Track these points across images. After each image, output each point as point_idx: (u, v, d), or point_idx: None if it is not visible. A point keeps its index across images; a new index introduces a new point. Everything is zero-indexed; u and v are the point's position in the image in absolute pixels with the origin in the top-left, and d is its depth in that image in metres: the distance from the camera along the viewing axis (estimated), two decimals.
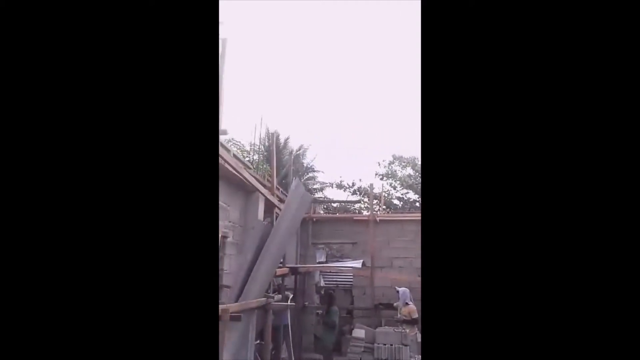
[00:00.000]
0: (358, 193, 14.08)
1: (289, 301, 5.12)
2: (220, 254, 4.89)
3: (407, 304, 6.18)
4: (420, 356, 5.42)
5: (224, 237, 4.97)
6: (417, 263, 7.32)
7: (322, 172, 15.32)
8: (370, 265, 7.16)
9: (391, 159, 14.89)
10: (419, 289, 7.05)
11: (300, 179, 8.67)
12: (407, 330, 5.70)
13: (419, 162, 14.01)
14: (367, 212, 9.66)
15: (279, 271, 5.24)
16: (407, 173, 14.39)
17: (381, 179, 14.42)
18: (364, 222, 7.75)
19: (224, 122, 3.62)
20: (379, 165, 14.85)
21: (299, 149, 14.76)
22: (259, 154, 10.34)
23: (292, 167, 8.39)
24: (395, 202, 14.12)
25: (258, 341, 4.50)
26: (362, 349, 5.46)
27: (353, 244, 7.90)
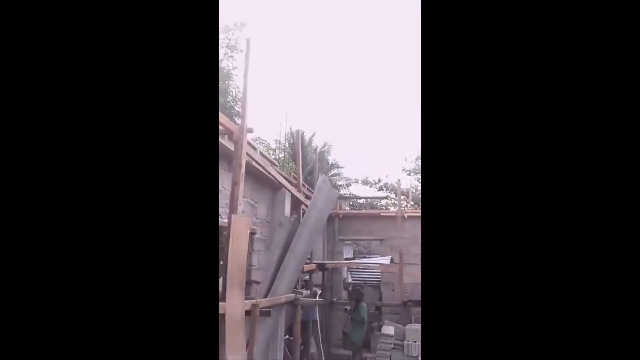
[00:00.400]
0: (384, 189, 13.93)
1: (317, 297, 5.12)
2: (249, 250, 4.96)
3: None
4: None
5: (252, 233, 5.03)
6: None
7: (347, 168, 15.26)
8: (398, 262, 7.06)
9: (418, 154, 14.62)
10: None
11: (326, 176, 8.66)
12: None
13: None
14: (394, 208, 9.53)
15: (307, 267, 5.26)
16: None
17: (408, 174, 14.21)
18: (392, 218, 7.65)
19: (250, 121, 3.66)
20: (406, 160, 14.62)
21: (324, 146, 14.75)
22: (284, 151, 10.41)
23: (317, 164, 8.39)
24: None
25: (287, 336, 4.53)
26: (392, 346, 5.40)
27: (380, 240, 7.81)
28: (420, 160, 14.32)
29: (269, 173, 5.06)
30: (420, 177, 14.17)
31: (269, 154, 9.05)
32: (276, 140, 11.08)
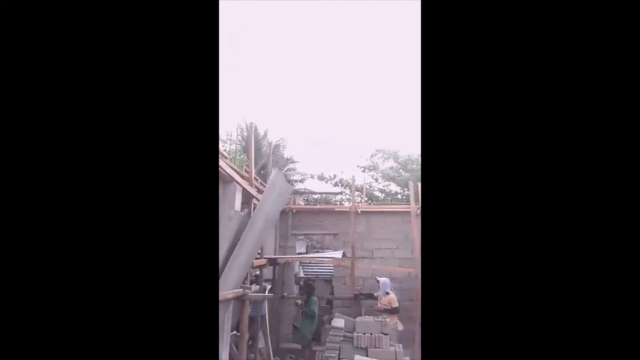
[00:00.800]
0: (340, 185, 14.08)
1: (266, 292, 5.05)
2: None
3: (387, 293, 6.21)
4: (400, 344, 5.45)
5: None
6: (398, 254, 7.36)
7: (302, 163, 15.26)
8: (350, 256, 7.16)
9: (373, 151, 14.92)
10: (400, 279, 7.03)
11: (280, 170, 8.57)
12: (388, 319, 5.72)
13: (401, 155, 14.09)
14: (349, 203, 9.65)
15: (257, 262, 5.16)
16: (389, 166, 14.44)
17: (363, 171, 14.44)
18: (345, 214, 7.73)
19: None
20: (361, 157, 14.86)
21: (279, 140, 14.62)
22: (236, 143, 10.16)
23: (271, 158, 8.27)
24: (377, 193, 14.18)
25: (234, 332, 4.43)
26: (342, 339, 5.45)
27: (334, 235, 7.87)
28: (374, 158, 14.66)
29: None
30: (374, 174, 14.50)
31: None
32: (227, 132, 10.79)
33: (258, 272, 5.77)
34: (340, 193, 13.52)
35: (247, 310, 4.25)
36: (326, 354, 5.31)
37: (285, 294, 7.18)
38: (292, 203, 7.98)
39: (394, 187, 14.11)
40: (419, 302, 6.06)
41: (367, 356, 5.20)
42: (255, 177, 6.32)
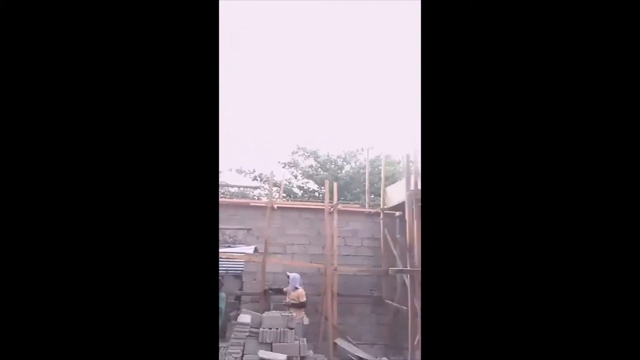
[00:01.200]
0: (259, 179, 13.92)
1: None
2: None
3: (296, 288, 6.31)
4: (305, 338, 5.58)
5: None
6: (311, 250, 7.53)
7: (222, 155, 14.74)
8: (263, 251, 7.11)
9: (295, 148, 15.03)
10: (310, 275, 7.17)
11: None
12: (294, 314, 5.81)
13: (321, 154, 14.43)
14: (267, 198, 9.59)
15: None
16: (308, 164, 14.68)
17: (283, 167, 14.48)
18: (261, 209, 7.66)
19: None
20: (282, 153, 14.87)
21: None
22: None
23: None
24: (296, 190, 14.33)
25: None
26: (247, 334, 5.39)
27: (248, 230, 7.75)
28: (295, 155, 14.79)
29: None
30: (293, 170, 14.62)
31: None
32: None
33: None
34: (259, 188, 13.37)
35: None
36: (229, 350, 5.21)
37: None
38: None
39: (312, 185, 14.39)
40: (325, 297, 6.27)
41: (271, 351, 5.21)
42: None
